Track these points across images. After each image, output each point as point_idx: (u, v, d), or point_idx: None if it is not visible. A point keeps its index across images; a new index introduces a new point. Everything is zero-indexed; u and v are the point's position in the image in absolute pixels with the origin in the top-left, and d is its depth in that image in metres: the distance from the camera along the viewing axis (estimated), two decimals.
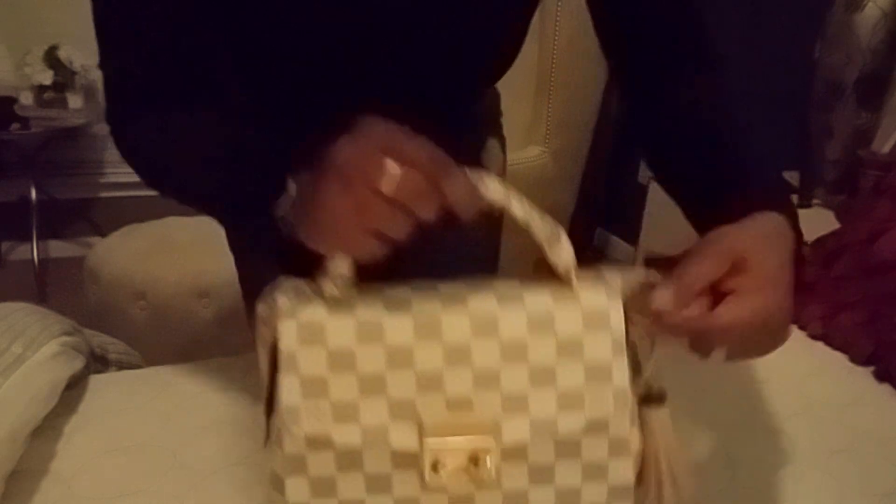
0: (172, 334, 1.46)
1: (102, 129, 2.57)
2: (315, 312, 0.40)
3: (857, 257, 0.83)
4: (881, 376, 0.71)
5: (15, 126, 2.19)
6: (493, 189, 0.39)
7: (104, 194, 2.63)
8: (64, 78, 2.29)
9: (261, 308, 0.42)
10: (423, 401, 0.40)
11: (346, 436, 0.40)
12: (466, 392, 0.40)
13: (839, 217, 1.01)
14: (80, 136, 2.47)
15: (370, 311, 0.40)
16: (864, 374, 0.72)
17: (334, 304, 0.40)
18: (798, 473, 0.56)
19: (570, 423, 0.40)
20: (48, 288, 2.34)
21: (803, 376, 0.70)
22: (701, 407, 0.63)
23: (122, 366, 0.73)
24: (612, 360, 0.40)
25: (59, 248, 2.58)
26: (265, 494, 0.52)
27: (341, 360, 0.40)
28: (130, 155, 0.54)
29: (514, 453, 0.40)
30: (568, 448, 0.41)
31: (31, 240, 2.38)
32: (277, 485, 0.42)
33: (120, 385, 0.66)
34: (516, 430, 0.40)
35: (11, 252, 2.56)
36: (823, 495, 0.54)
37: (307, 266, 0.41)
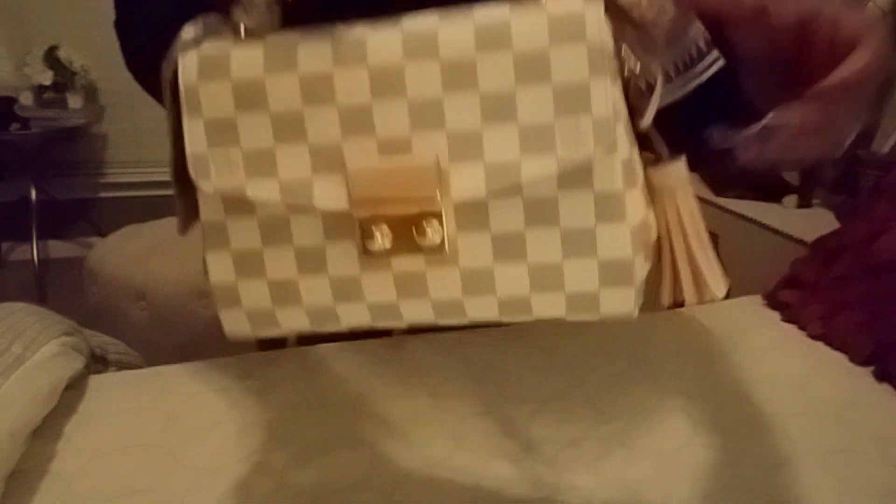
0: (172, 334, 1.46)
1: (102, 128, 2.57)
2: (220, 43, 0.33)
3: (857, 257, 0.83)
4: (881, 376, 0.71)
5: (15, 126, 2.19)
6: None
7: (104, 194, 2.63)
8: (64, 78, 2.30)
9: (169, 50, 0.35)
10: (350, 145, 0.32)
11: (263, 192, 0.33)
12: (402, 131, 0.31)
13: (839, 217, 1.01)
14: (80, 136, 2.48)
15: (283, 38, 0.33)
16: (864, 374, 0.72)
17: (245, 35, 0.33)
18: (798, 473, 0.56)
19: (537, 169, 0.31)
20: (48, 288, 2.35)
21: (803, 376, 0.70)
22: (701, 407, 0.63)
23: (122, 366, 0.73)
24: (588, 81, 0.30)
25: (59, 248, 2.58)
26: (266, 493, 0.52)
27: (249, 96, 0.33)
28: (124, 37, 0.53)
29: (469, 215, 0.32)
30: (540, 209, 0.32)
31: (31, 240, 2.38)
32: (204, 267, 0.37)
33: (120, 385, 0.66)
34: (469, 180, 0.31)
35: (11, 252, 2.56)
36: (823, 495, 0.54)
37: None
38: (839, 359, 0.75)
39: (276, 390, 0.62)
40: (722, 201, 1.49)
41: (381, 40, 0.32)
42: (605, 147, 0.31)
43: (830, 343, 0.77)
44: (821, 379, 0.71)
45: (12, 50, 2.34)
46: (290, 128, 0.33)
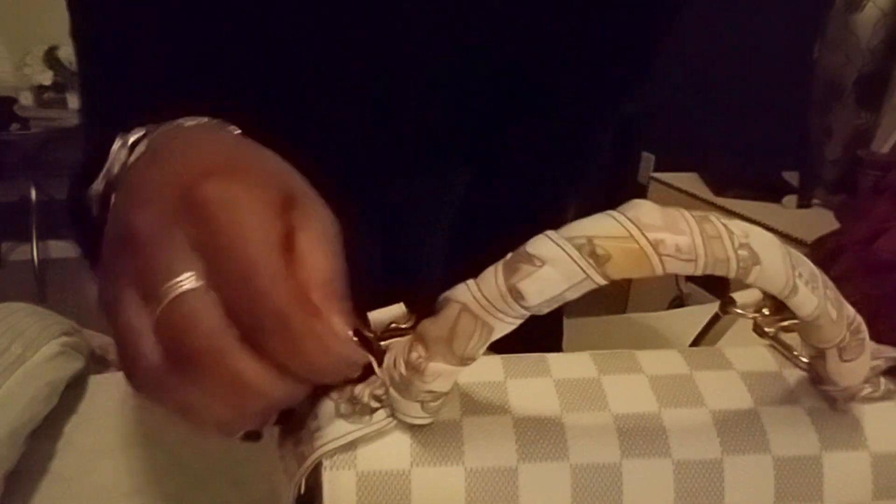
0: None
1: None
2: (388, 456, 0.22)
3: (856, 257, 0.83)
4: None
5: (15, 126, 2.20)
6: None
7: None
8: (64, 78, 2.30)
9: None
10: None
11: None
12: None
13: (839, 217, 1.01)
14: (80, 136, 2.48)
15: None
16: None
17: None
18: None
19: None
20: (48, 288, 2.35)
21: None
22: None
23: None
24: None
25: (59, 248, 2.58)
26: (266, 494, 0.52)
27: None
28: None
29: None
30: None
31: (31, 240, 2.38)
32: None
33: (120, 385, 0.66)
34: None
35: (11, 252, 2.56)
36: None
37: None
38: None
39: None
40: (722, 201, 1.50)
41: None
42: None
43: None
44: None
45: (12, 50, 2.34)
46: None
